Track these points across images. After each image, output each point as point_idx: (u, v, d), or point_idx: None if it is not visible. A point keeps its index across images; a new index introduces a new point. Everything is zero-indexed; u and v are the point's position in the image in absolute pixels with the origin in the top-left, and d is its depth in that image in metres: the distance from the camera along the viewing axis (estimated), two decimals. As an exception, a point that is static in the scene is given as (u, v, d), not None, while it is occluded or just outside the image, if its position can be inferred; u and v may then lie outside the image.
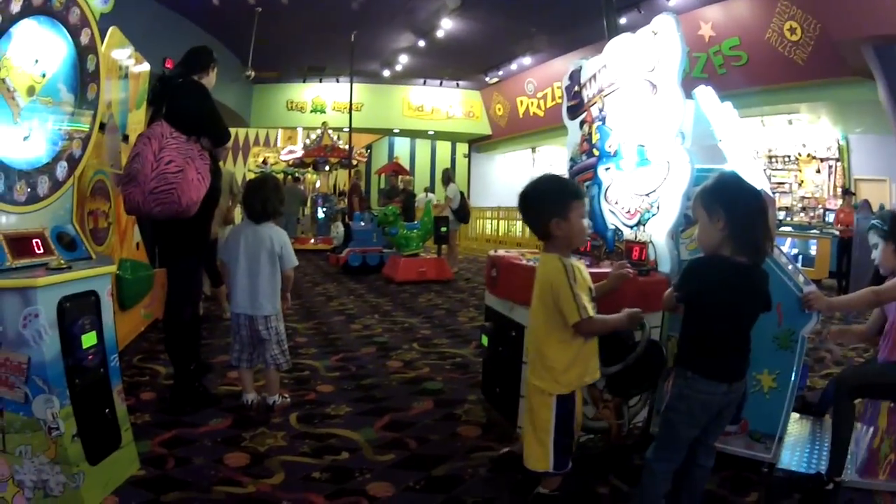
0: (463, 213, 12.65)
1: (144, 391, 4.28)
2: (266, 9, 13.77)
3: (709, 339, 2.33)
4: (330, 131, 18.32)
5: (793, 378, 3.10)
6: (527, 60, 18.98)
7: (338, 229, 12.61)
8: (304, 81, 21.67)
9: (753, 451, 3.10)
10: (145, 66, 5.76)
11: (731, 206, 2.29)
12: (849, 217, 11.49)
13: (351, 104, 16.65)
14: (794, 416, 3.60)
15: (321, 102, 21.86)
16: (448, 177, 12.68)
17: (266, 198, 4.02)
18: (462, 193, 12.72)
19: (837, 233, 11.95)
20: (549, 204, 2.61)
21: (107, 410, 2.87)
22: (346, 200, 14.81)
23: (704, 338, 2.34)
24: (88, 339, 2.76)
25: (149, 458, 3.19)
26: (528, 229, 19.43)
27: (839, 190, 15.05)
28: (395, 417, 3.93)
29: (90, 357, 2.77)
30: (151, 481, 2.97)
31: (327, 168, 18.90)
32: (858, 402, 3.31)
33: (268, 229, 4.02)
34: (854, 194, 12.67)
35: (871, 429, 3.23)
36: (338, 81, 21.28)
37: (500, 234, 20.70)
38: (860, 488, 2.90)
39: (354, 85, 16.77)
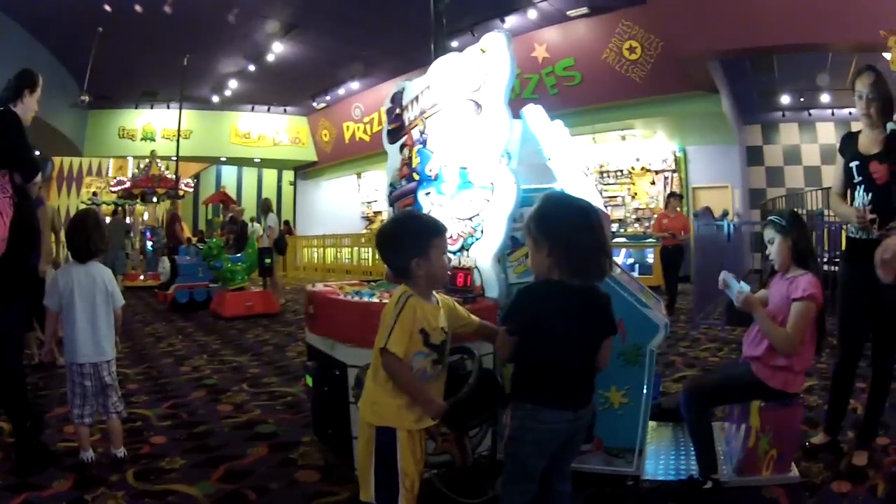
0: (281, 244, 12.55)
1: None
2: (106, 29, 13.15)
3: (548, 367, 2.23)
4: (158, 161, 17.67)
5: (644, 391, 3.10)
6: (355, 85, 19.04)
7: (164, 264, 12.18)
8: (136, 107, 20.71)
9: (614, 467, 3.05)
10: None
11: (553, 231, 2.23)
12: (675, 223, 10.26)
13: (179, 131, 16.19)
14: (653, 424, 3.63)
15: (151, 129, 21.01)
16: (267, 206, 12.48)
17: (89, 235, 3.79)
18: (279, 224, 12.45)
19: (659, 240, 10.88)
20: (407, 244, 2.42)
21: None
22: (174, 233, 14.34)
23: (544, 366, 2.23)
24: None
25: None
26: (355, 256, 19.54)
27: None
28: (230, 467, 3.78)
29: None
30: None
31: (155, 199, 18.17)
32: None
33: (97, 268, 3.83)
34: (681, 197, 11.55)
35: (743, 427, 3.28)
36: (168, 107, 20.53)
37: (328, 261, 20.66)
38: (743, 486, 3.04)
39: (184, 111, 16.35)
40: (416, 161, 3.83)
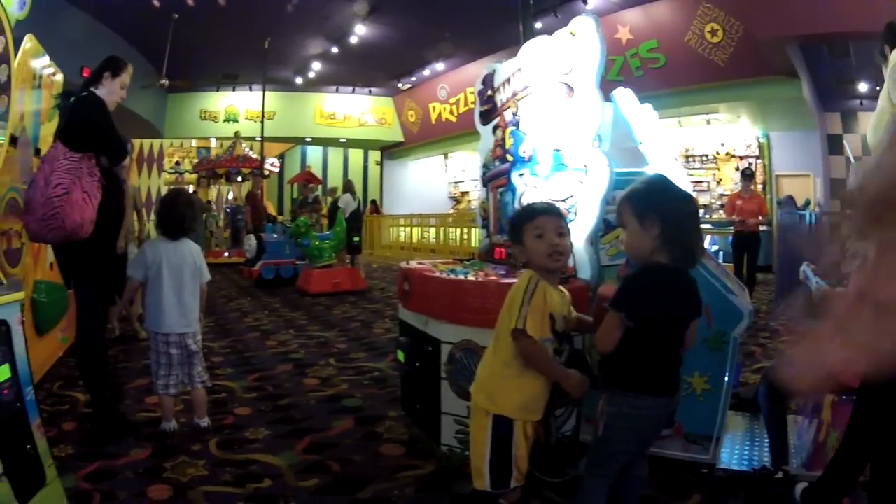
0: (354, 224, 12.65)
1: (66, 421, 4.09)
2: (182, 15, 13.42)
3: (655, 353, 2.23)
4: (242, 141, 18.00)
5: (726, 379, 3.08)
6: (440, 66, 19.10)
7: (250, 242, 12.37)
8: (217, 90, 21.23)
9: (691, 454, 3.08)
10: (59, 76, 5.54)
11: (664, 210, 2.22)
12: (749, 205, 9.39)
13: (263, 112, 16.40)
14: (730, 414, 3.57)
15: (234, 111, 21.48)
16: (347, 187, 12.66)
17: (182, 214, 3.95)
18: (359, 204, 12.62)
19: (732, 225, 9.84)
20: (510, 233, 2.61)
21: (28, 447, 2.72)
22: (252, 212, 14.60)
23: (648, 353, 2.22)
24: (1, 374, 2.61)
25: (75, 493, 3.05)
26: (442, 235, 19.66)
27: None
28: (315, 439, 3.84)
29: (4, 392, 2.61)
30: None
31: (239, 179, 18.55)
32: None
33: (186, 244, 3.96)
34: (752, 175, 10.54)
35: (815, 422, 3.22)
36: (251, 89, 20.96)
37: (414, 241, 20.74)
38: (810, 480, 2.84)
39: (267, 93, 16.55)
40: (509, 142, 3.89)
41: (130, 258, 5.88)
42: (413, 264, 3.86)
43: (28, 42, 4.38)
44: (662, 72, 14.33)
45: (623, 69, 14.70)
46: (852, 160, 13.96)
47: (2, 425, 2.57)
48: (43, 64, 4.95)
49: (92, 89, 3.81)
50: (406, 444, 3.74)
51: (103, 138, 3.76)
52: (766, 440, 3.20)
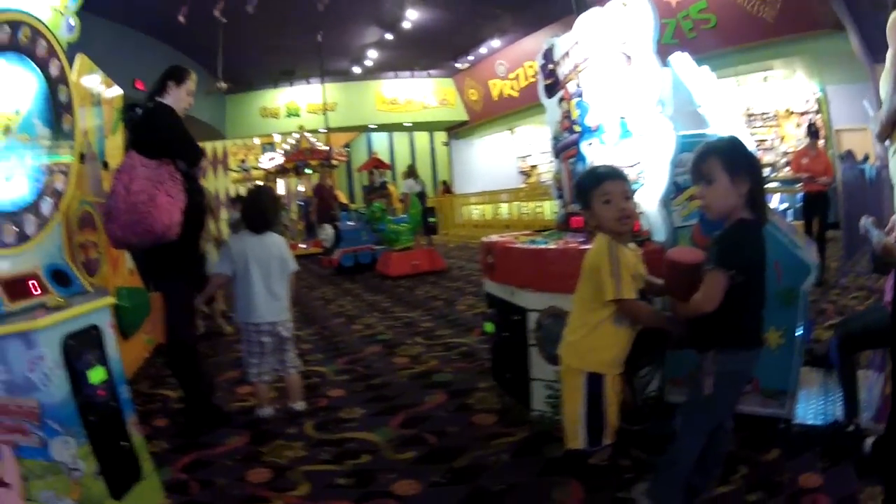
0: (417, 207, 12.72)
1: (158, 418, 4.25)
2: (231, 19, 13.65)
3: (752, 308, 2.30)
4: (307, 134, 18.24)
5: (799, 333, 3.10)
6: (495, 42, 19.03)
7: (327, 231, 12.56)
8: (275, 87, 21.58)
9: (770, 409, 3.10)
10: (116, 91, 5.71)
11: (752, 167, 2.30)
12: (815, 164, 9.08)
13: (325, 105, 16.61)
14: (804, 370, 3.58)
15: (295, 106, 21.82)
16: (409, 171, 12.69)
17: (265, 208, 4.16)
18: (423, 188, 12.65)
19: (799, 182, 9.53)
20: (578, 199, 2.72)
21: (124, 444, 2.85)
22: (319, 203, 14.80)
23: (747, 308, 2.27)
24: (96, 375, 2.73)
25: (172, 484, 3.17)
26: (514, 210, 19.60)
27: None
28: (409, 414, 3.93)
29: (100, 392, 2.74)
30: None
31: (309, 171, 18.83)
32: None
33: (271, 237, 4.11)
34: (817, 133, 10.15)
35: (882, 375, 3.24)
36: (309, 83, 21.28)
37: (487, 218, 20.68)
38: (879, 433, 2.86)
39: (326, 84, 16.72)
40: (575, 113, 3.97)
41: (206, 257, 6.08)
42: (494, 238, 3.96)
43: (80, 61, 4.53)
44: (715, 32, 14.17)
45: (676, 32, 14.59)
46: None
47: (99, 425, 2.67)
48: (97, 81, 5.11)
49: (157, 99, 3.93)
50: (498, 412, 3.80)
51: (178, 144, 3.88)
52: (840, 395, 3.21)
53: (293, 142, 18.38)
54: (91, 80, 4.92)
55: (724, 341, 2.28)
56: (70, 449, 2.50)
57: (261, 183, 18.53)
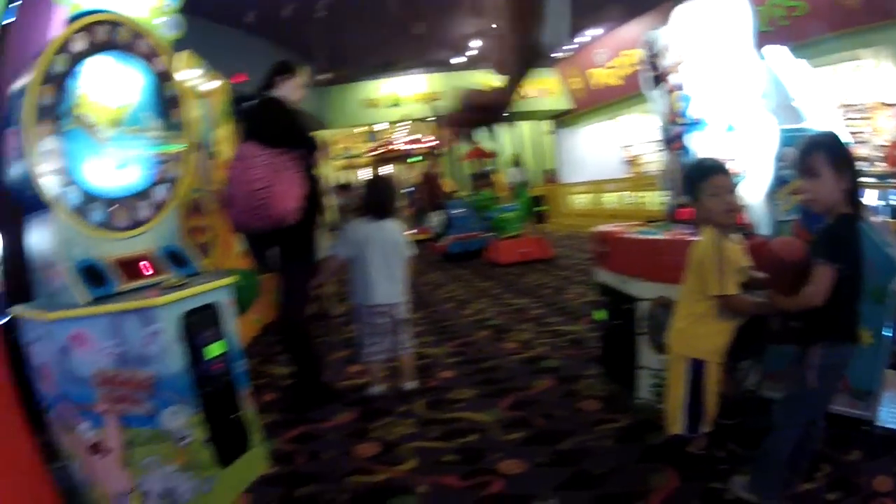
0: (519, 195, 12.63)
1: (266, 393, 4.44)
2: (329, 12, 13.93)
3: (853, 302, 2.35)
4: (411, 123, 18.47)
5: (888, 333, 3.03)
6: (594, 31, 18.69)
7: (436, 218, 12.67)
8: (376, 78, 21.88)
9: (856, 410, 3.05)
10: (220, 84, 5.94)
11: (852, 163, 2.36)
12: None
13: (429, 94, 16.72)
14: (892, 373, 3.48)
15: (396, 96, 22.03)
16: (514, 161, 12.51)
17: (385, 196, 4.33)
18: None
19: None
20: (687, 191, 2.85)
21: (235, 415, 3.00)
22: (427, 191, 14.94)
23: (849, 302, 2.33)
24: (214, 350, 2.90)
25: (279, 455, 3.33)
26: (619, 200, 19.24)
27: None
28: (517, 397, 3.98)
29: (216, 366, 2.90)
30: (283, 477, 3.13)
31: (413, 160, 19.05)
32: None
33: (389, 223, 4.27)
34: None
35: None
36: (410, 74, 21.40)
37: (592, 207, 20.29)
38: None
39: (429, 75, 16.83)
40: (680, 106, 4.00)
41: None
42: (608, 227, 4.06)
43: (184, 56, 4.75)
44: (804, 19, 13.46)
45: (770, 20, 13.93)
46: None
47: (213, 396, 2.83)
48: (201, 74, 5.33)
49: (270, 92, 4.08)
50: (603, 399, 3.84)
51: (295, 135, 4.03)
52: None
53: (398, 131, 18.65)
54: (195, 74, 5.14)
55: (829, 334, 2.34)
56: (181, 418, 2.66)
57: (375, 171, 19.01)
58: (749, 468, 2.57)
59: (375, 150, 19.78)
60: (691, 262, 2.67)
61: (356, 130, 24.68)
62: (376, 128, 23.34)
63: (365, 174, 20.12)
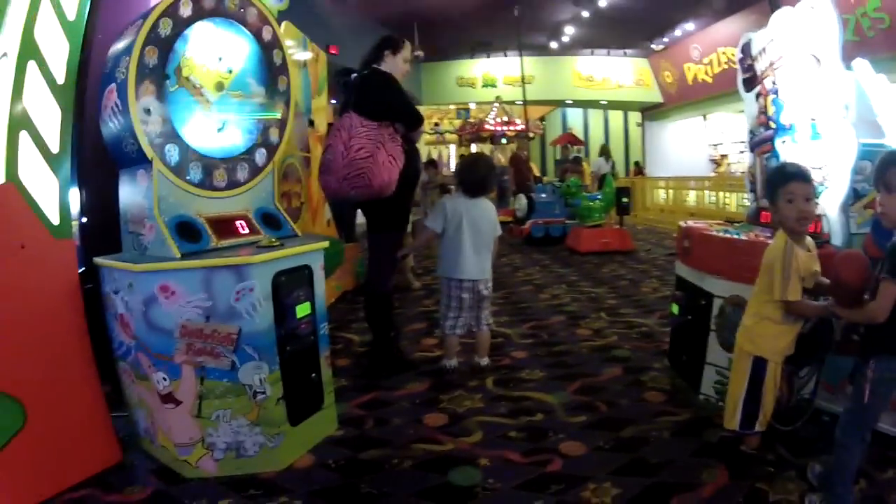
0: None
1: (340, 358, 4.60)
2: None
3: None
4: (504, 105, 18.45)
5: None
6: (689, 26, 18.21)
7: (521, 201, 12.68)
8: (471, 57, 21.89)
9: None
10: (320, 55, 6.13)
11: None
12: None
13: (523, 77, 16.69)
14: None
15: (491, 77, 22.00)
16: (602, 150, 12.36)
17: (484, 175, 4.38)
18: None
19: None
20: (767, 192, 2.91)
21: (314, 375, 3.13)
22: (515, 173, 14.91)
23: None
24: (302, 310, 3.03)
25: (347, 418, 3.48)
26: (701, 198, 18.80)
27: None
28: (585, 383, 4.06)
29: (303, 326, 3.03)
30: (350, 440, 3.26)
31: (504, 141, 19.05)
32: None
33: (484, 202, 4.36)
34: None
35: None
36: (506, 55, 21.32)
37: (672, 203, 19.86)
38: None
39: (524, 58, 16.77)
40: (771, 110, 4.02)
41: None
42: (692, 223, 4.15)
43: (285, 27, 4.92)
44: (888, 33, 12.79)
45: (857, 29, 13.33)
46: None
47: (294, 356, 2.97)
48: (302, 45, 5.52)
49: (374, 66, 4.18)
50: (668, 392, 3.90)
51: (399, 108, 4.13)
52: None
53: (490, 111, 18.66)
54: (297, 45, 5.32)
55: (886, 349, 2.35)
56: (260, 374, 2.77)
57: (468, 149, 19.13)
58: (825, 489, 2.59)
59: (466, 128, 19.79)
60: (762, 263, 2.76)
61: (448, 107, 24.83)
62: (470, 106, 23.47)
63: (453, 152, 20.15)
